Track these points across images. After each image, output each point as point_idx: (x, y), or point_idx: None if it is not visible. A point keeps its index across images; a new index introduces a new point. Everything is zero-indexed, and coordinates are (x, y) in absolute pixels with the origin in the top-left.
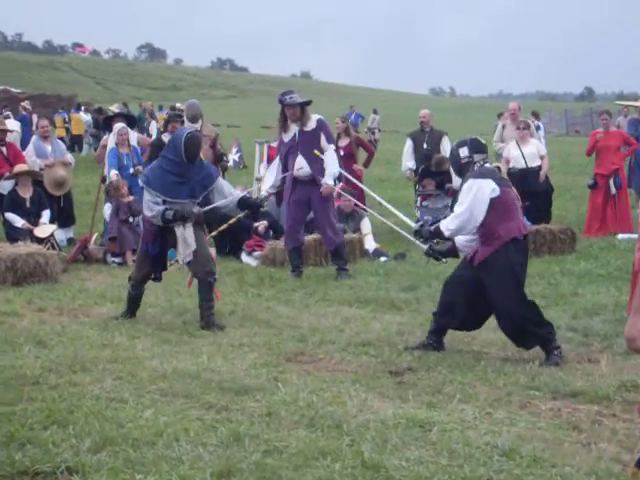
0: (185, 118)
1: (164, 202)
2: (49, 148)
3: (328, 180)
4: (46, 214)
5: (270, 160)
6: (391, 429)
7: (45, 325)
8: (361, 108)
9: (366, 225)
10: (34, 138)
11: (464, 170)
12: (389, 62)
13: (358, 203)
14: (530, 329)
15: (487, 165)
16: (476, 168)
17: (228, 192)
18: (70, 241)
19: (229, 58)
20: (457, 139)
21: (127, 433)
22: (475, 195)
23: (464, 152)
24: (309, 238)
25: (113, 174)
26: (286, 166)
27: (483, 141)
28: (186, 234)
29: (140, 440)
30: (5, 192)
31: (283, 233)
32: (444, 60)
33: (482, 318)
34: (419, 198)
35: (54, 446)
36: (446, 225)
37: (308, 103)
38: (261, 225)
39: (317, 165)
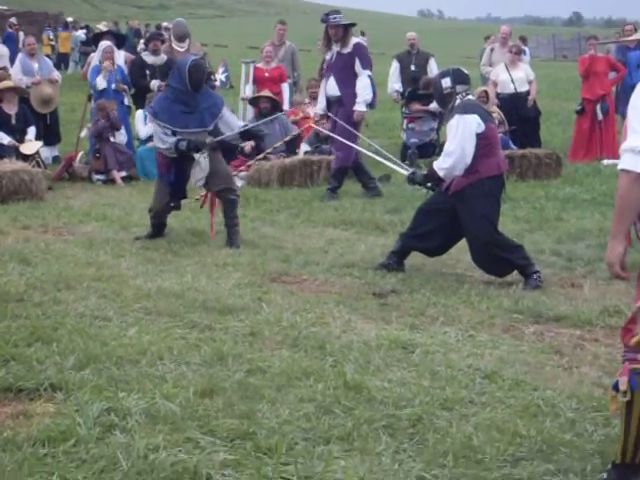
0: (172, 37)
1: (174, 133)
2: (36, 66)
3: (359, 106)
4: (32, 131)
5: (256, 81)
6: (374, 350)
7: (29, 243)
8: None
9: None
10: (20, 55)
11: (447, 100)
12: None
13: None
14: (500, 254)
15: (470, 97)
16: (459, 100)
17: (234, 124)
18: (55, 159)
19: None
20: (443, 65)
21: (111, 351)
22: (463, 131)
23: (447, 82)
24: (294, 159)
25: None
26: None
27: (466, 71)
28: (201, 159)
29: (124, 358)
30: None
31: (263, 152)
32: None
33: (447, 246)
34: (405, 120)
35: (38, 363)
36: (439, 165)
37: (352, 25)
38: (248, 145)
39: (347, 89)
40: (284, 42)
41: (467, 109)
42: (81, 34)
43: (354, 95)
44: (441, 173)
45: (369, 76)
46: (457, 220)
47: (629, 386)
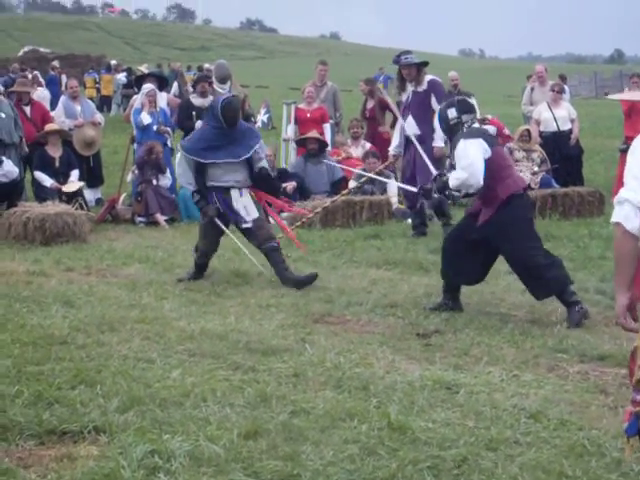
0: (214, 79)
1: (201, 167)
2: (78, 108)
3: (438, 142)
4: (75, 174)
5: (298, 121)
6: (418, 391)
7: (73, 285)
8: (390, 70)
9: (392, 187)
10: (63, 98)
11: (453, 131)
12: (419, 23)
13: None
14: (542, 272)
15: (475, 125)
16: (465, 129)
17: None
18: (98, 201)
19: (258, 19)
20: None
21: (154, 393)
22: (469, 151)
23: (452, 113)
24: (336, 199)
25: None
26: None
27: (471, 101)
28: (245, 201)
29: (167, 400)
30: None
31: (309, 194)
32: (474, 21)
33: (486, 272)
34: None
35: (82, 406)
36: (454, 181)
37: (425, 64)
38: (289, 185)
39: (425, 126)
40: (325, 82)
41: (472, 134)
42: (122, 77)
43: (433, 132)
44: (453, 183)
45: None
46: (488, 247)
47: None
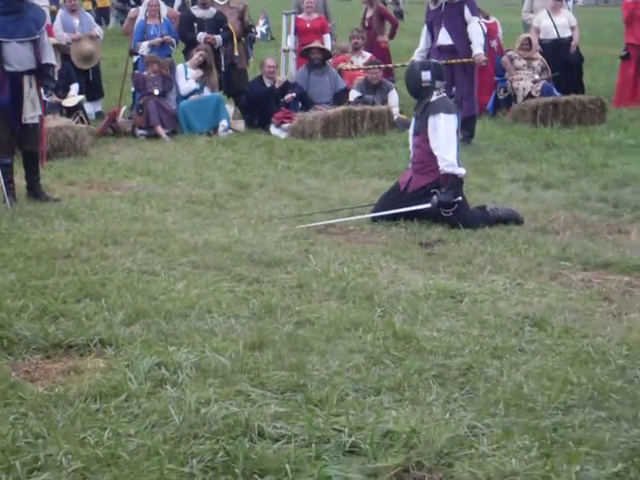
0: None
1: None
2: (76, 22)
3: (478, 49)
4: (74, 88)
5: (297, 32)
6: (422, 300)
7: (75, 199)
8: None
9: (394, 97)
10: (61, 12)
11: (423, 93)
12: None
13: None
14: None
15: (444, 94)
16: (435, 96)
17: (49, 49)
18: (98, 114)
19: None
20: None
21: (159, 305)
22: (452, 130)
23: (426, 76)
24: (338, 109)
25: (144, 49)
26: (432, 34)
27: (443, 66)
28: (32, 93)
29: (172, 312)
30: None
31: (312, 105)
32: None
33: None
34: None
35: (87, 319)
36: (448, 160)
37: None
38: (289, 96)
39: (459, 38)
40: None
41: (450, 109)
42: None
43: (467, 43)
44: (460, 171)
45: (479, 22)
46: None
47: None
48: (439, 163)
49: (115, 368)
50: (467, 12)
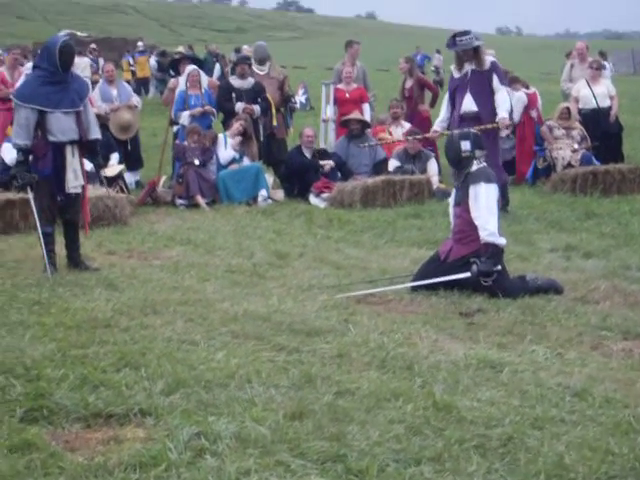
0: (253, 60)
1: (40, 113)
2: (115, 92)
3: (503, 114)
4: (114, 157)
5: (337, 102)
6: (462, 370)
7: (115, 268)
8: (427, 48)
9: (433, 166)
10: (100, 82)
11: (463, 164)
12: (455, 1)
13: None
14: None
15: (485, 164)
16: (476, 166)
17: (92, 118)
18: (138, 184)
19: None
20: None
21: (199, 375)
22: (494, 200)
23: (466, 146)
24: (377, 179)
25: (185, 119)
26: (453, 103)
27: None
28: (75, 163)
29: (212, 382)
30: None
31: (351, 174)
32: None
33: None
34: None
35: (127, 388)
36: (489, 230)
37: (480, 44)
38: (327, 165)
39: (485, 105)
40: (355, 63)
41: (491, 178)
42: (152, 61)
43: (492, 111)
44: (501, 241)
45: (507, 92)
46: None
47: None
48: (480, 232)
49: (155, 438)
50: (496, 80)
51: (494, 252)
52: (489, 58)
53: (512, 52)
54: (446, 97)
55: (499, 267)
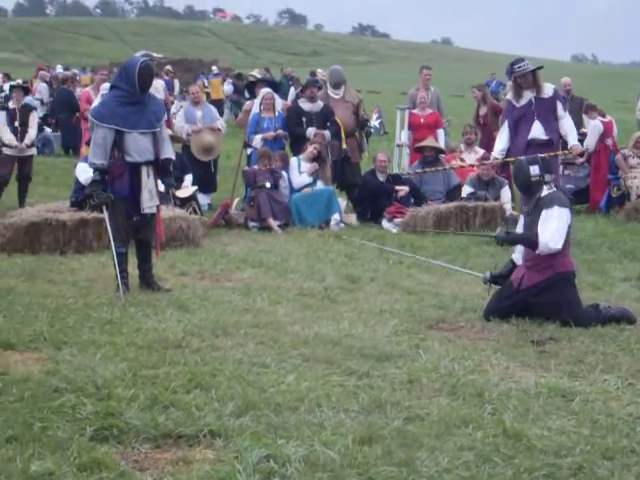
0: (328, 84)
1: (118, 133)
2: (199, 114)
3: (574, 141)
4: (188, 178)
5: (411, 127)
6: (533, 398)
7: (187, 289)
8: (502, 75)
9: (506, 193)
10: (186, 104)
11: (533, 189)
12: (531, 28)
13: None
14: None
15: (556, 188)
16: (547, 190)
17: (167, 140)
18: (210, 207)
19: (370, 24)
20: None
21: (269, 398)
22: (565, 223)
23: (535, 171)
24: (450, 205)
25: (257, 142)
26: (516, 131)
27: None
28: (150, 184)
29: (282, 405)
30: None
31: (424, 200)
32: (586, 26)
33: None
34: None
35: (197, 409)
36: (548, 243)
37: (539, 68)
38: (402, 190)
39: (553, 133)
40: (429, 88)
41: (564, 203)
42: (228, 84)
43: (559, 137)
44: (545, 249)
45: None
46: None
47: None
48: (539, 246)
49: (224, 460)
50: (560, 108)
51: (527, 243)
52: (550, 86)
53: (587, 80)
54: (505, 125)
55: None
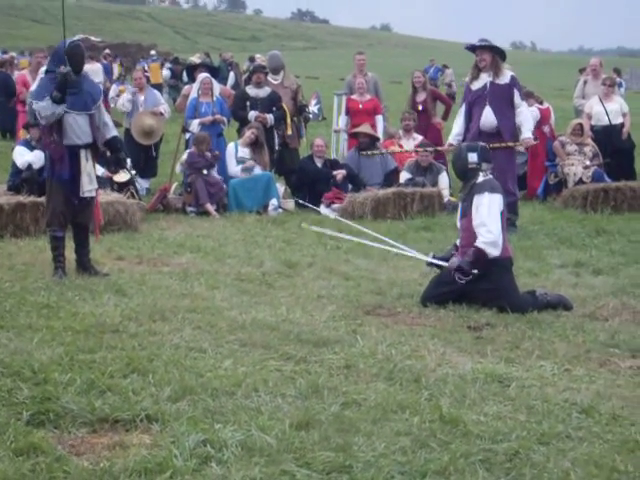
0: (267, 69)
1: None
2: (141, 98)
3: (527, 133)
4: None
5: (349, 112)
6: (469, 384)
7: (125, 274)
8: (441, 62)
9: (444, 179)
10: (130, 88)
11: (469, 175)
12: (470, 15)
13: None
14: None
15: (491, 176)
16: (482, 178)
17: (108, 122)
18: (148, 191)
19: (309, 10)
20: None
21: (206, 382)
22: (496, 209)
23: (473, 158)
24: (388, 191)
25: (195, 126)
26: (470, 115)
27: (490, 150)
28: (88, 167)
29: (219, 390)
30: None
31: (362, 185)
32: (525, 14)
33: None
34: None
35: (134, 394)
36: (486, 240)
37: (500, 52)
38: (339, 174)
39: (505, 120)
40: (366, 73)
41: (495, 188)
42: (166, 69)
43: (511, 127)
44: (490, 249)
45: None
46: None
47: None
48: (479, 236)
49: (161, 444)
50: (517, 96)
51: (479, 258)
52: (508, 72)
53: (526, 67)
54: (461, 110)
55: (476, 271)
